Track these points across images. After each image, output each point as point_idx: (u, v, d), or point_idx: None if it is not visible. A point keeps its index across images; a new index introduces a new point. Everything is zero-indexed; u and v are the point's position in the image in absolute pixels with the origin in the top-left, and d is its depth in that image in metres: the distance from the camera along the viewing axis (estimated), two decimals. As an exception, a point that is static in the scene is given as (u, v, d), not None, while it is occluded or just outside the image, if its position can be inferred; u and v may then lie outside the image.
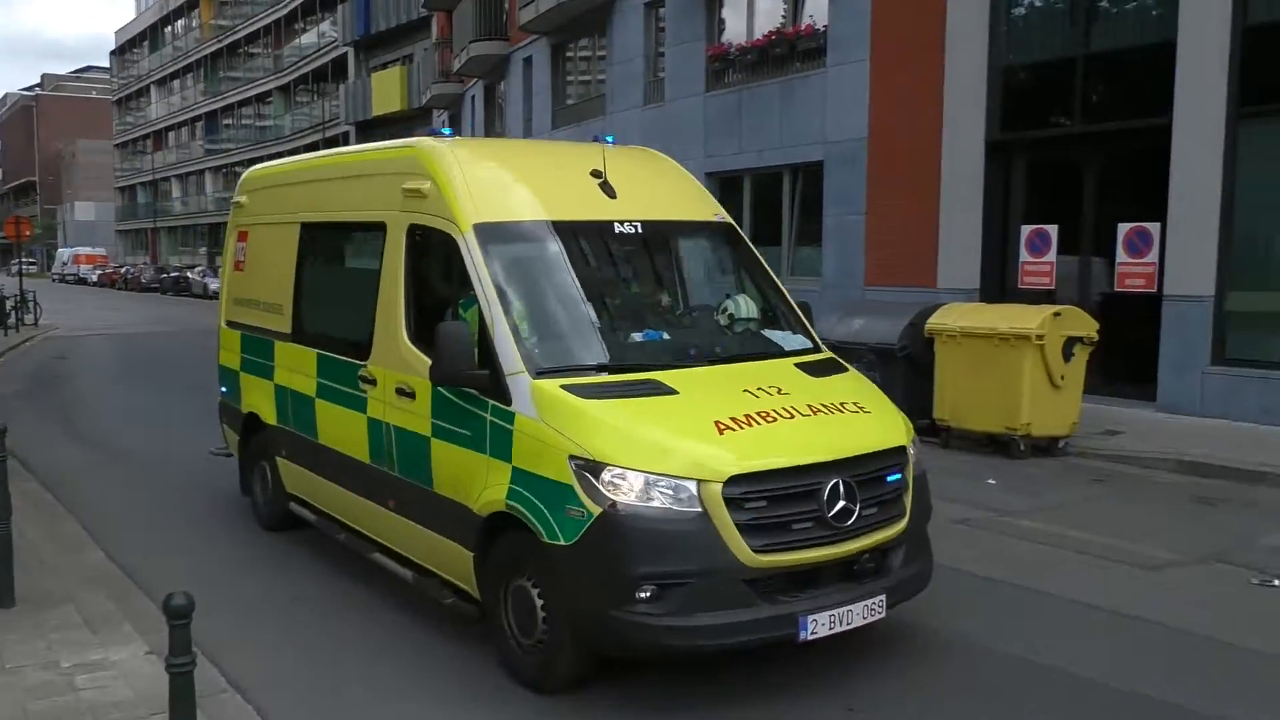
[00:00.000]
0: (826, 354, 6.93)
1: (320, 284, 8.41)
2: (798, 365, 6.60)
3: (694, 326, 6.89)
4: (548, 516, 5.55)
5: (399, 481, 6.85)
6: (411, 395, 6.65)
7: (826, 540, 5.62)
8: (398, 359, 6.84)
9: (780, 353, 6.75)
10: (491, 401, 5.99)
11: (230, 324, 9.68)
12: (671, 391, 5.87)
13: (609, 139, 7.37)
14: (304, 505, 8.58)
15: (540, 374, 5.89)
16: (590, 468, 5.44)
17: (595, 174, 6.95)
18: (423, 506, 6.60)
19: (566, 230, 6.67)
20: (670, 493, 5.39)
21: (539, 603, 5.73)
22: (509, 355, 5.96)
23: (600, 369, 6.02)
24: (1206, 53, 13.30)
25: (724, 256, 7.40)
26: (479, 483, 6.04)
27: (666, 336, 6.54)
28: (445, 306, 6.63)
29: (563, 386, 5.81)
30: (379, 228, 7.21)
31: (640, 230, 6.84)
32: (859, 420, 6.11)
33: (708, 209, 7.45)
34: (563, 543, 5.44)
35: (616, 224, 6.77)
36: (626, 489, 5.39)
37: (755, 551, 5.41)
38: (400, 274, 6.92)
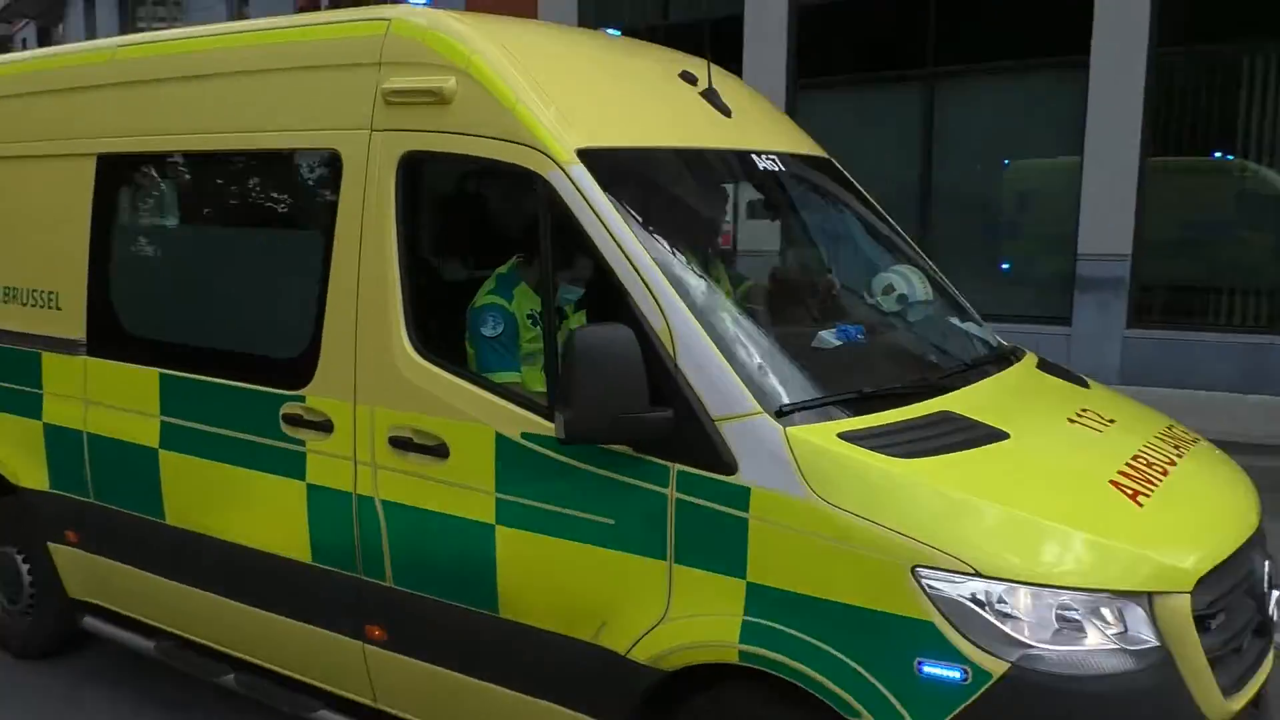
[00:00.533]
0: (1010, 346, 4.70)
1: (158, 257, 5.03)
2: (1041, 369, 4.40)
3: (874, 316, 4.43)
4: (869, 682, 3.03)
5: (402, 598, 3.95)
6: (437, 452, 3.79)
7: (1265, 650, 3.52)
8: (393, 386, 3.91)
9: (1010, 353, 4.45)
10: (678, 467, 3.33)
11: None
12: (1000, 434, 3.47)
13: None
14: (116, 618, 5.20)
15: (783, 413, 3.30)
16: (967, 587, 2.97)
17: (689, 79, 4.34)
18: (470, 640, 3.79)
19: (699, 164, 4.08)
20: (1111, 621, 3.03)
21: None
22: (723, 385, 3.32)
23: (866, 400, 3.50)
24: None
25: (846, 208, 4.91)
26: (640, 608, 3.39)
27: (863, 335, 4.09)
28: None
29: (843, 435, 3.26)
30: (317, 159, 4.20)
31: (780, 167, 4.35)
32: (1212, 456, 4.02)
33: (806, 138, 4.99)
34: None
35: (754, 155, 4.23)
36: (1034, 622, 2.98)
37: (1226, 697, 3.19)
38: (389, 237, 3.93)
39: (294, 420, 4.14)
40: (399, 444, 3.88)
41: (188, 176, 4.84)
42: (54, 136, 5.12)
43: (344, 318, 4.02)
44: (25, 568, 5.52)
